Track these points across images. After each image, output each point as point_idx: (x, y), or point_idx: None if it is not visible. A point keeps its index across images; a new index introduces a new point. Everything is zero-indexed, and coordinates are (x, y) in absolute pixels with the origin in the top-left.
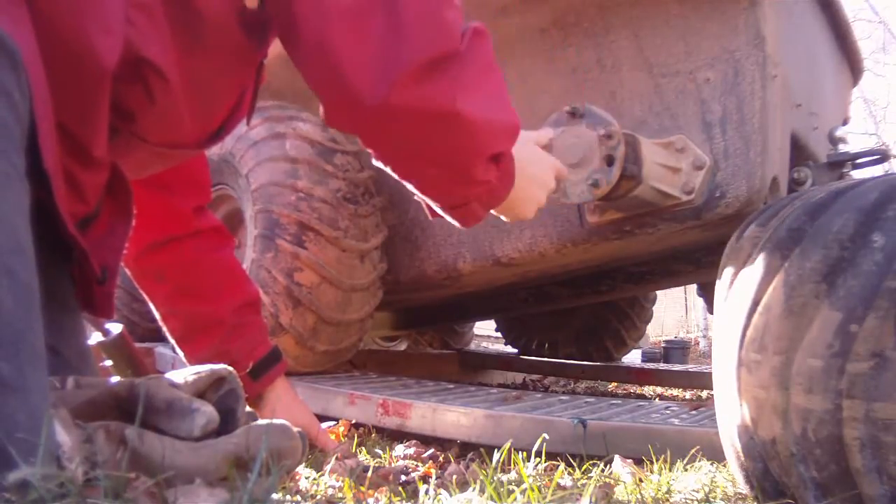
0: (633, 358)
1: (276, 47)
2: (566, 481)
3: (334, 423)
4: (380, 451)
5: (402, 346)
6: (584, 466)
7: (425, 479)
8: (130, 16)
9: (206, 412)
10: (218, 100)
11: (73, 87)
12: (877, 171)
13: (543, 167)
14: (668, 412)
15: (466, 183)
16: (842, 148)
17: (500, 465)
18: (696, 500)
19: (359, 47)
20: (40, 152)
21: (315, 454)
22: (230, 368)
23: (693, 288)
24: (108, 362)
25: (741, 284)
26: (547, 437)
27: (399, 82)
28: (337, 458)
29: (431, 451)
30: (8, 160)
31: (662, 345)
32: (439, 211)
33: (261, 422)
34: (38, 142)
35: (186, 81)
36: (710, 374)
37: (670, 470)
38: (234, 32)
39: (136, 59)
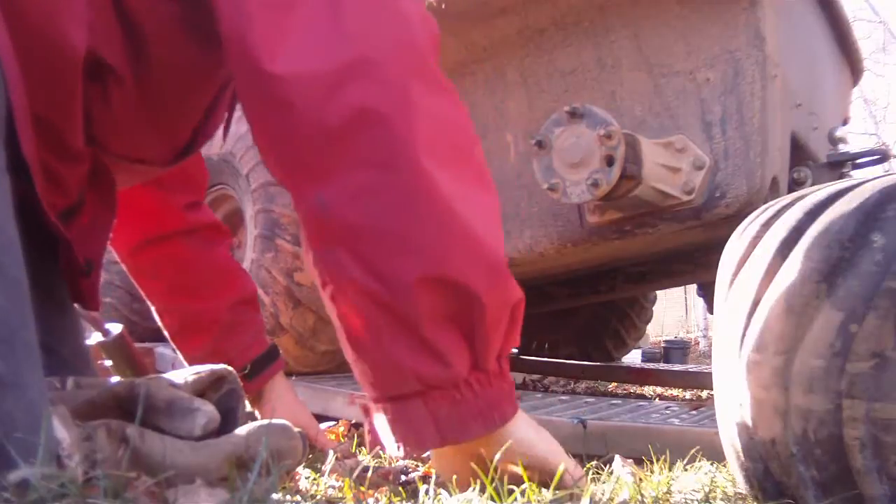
0: (633, 358)
1: None
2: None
3: (334, 423)
4: (380, 451)
5: None
6: (585, 466)
7: (425, 479)
8: (89, 16)
9: (207, 412)
10: (182, 117)
11: (48, 78)
12: (877, 171)
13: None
14: (668, 412)
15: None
16: (842, 148)
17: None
18: (696, 500)
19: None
20: (19, 143)
21: (315, 454)
22: (230, 368)
23: (693, 288)
24: (108, 362)
25: (741, 284)
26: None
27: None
28: (337, 458)
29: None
30: None
31: (662, 345)
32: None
33: (261, 421)
34: (17, 132)
35: (143, 93)
36: (710, 374)
37: (670, 470)
38: (183, 48)
39: (95, 58)
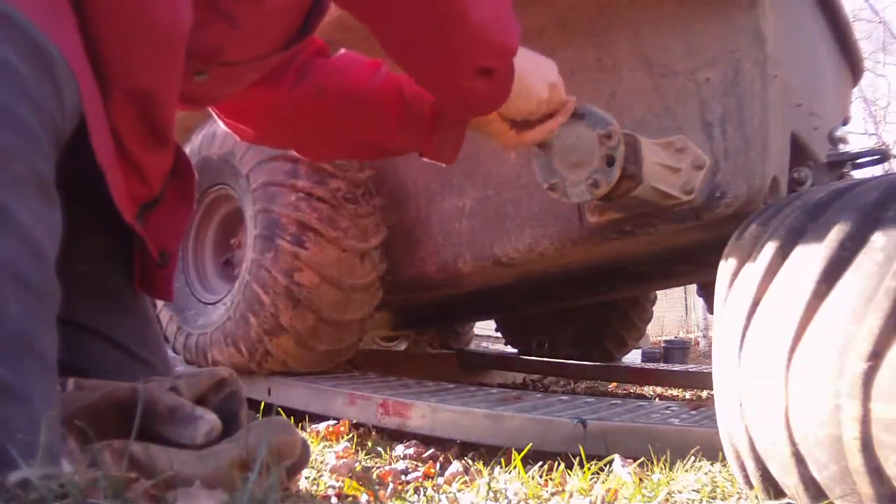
0: (633, 358)
1: None
2: (567, 482)
3: (334, 423)
4: (380, 451)
5: (402, 346)
6: (585, 466)
7: (425, 478)
8: None
9: (210, 420)
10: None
11: (150, 56)
12: (877, 171)
13: (541, 71)
14: (668, 412)
15: (452, 86)
16: (842, 148)
17: (500, 464)
18: (696, 500)
19: None
20: (94, 151)
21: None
22: (230, 370)
23: (693, 288)
24: None
25: (741, 284)
26: (546, 437)
27: None
28: (337, 457)
29: (431, 451)
30: (29, 167)
31: (662, 345)
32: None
33: (260, 421)
34: (91, 139)
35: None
36: (710, 374)
37: (670, 470)
38: None
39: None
